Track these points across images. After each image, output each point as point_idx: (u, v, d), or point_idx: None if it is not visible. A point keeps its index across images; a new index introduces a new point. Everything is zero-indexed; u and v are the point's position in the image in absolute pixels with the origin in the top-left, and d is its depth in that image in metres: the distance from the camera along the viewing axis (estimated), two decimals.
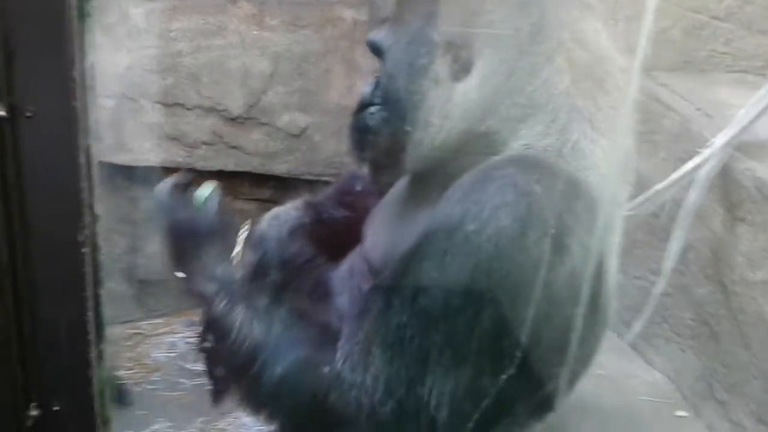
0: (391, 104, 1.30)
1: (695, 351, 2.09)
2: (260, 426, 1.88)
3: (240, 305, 1.24)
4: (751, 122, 1.78)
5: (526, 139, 1.22)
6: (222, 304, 1.25)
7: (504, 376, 1.11)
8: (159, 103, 2.96)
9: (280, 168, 2.99)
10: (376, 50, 1.35)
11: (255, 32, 2.92)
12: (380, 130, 1.33)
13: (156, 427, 2.43)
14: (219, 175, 2.87)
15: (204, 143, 2.95)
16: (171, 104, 2.96)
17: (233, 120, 2.92)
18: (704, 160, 1.84)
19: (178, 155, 2.97)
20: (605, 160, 1.24)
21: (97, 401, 0.84)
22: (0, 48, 0.71)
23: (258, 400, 1.24)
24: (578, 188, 1.17)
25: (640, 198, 1.97)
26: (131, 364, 2.68)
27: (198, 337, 1.33)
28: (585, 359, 1.31)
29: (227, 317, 1.23)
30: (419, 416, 1.14)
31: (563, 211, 1.12)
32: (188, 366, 2.75)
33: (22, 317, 0.79)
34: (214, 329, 1.26)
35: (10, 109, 0.74)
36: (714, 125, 1.94)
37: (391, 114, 1.31)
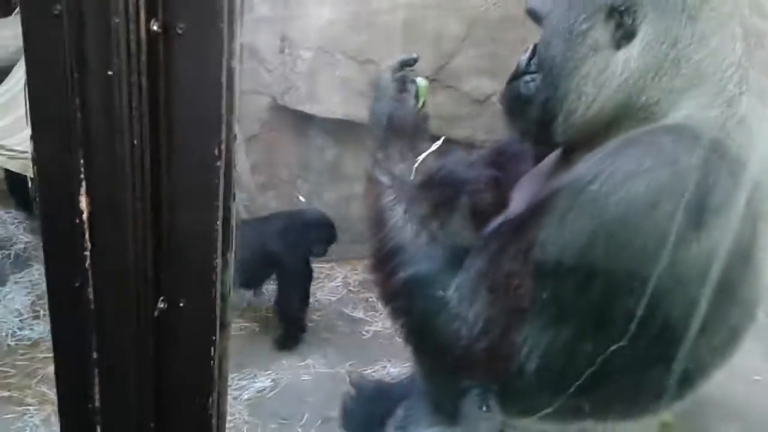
0: (547, 73, 1.28)
1: None
2: (403, 375, 1.97)
3: (402, 205, 1.31)
4: None
5: (687, 109, 1.16)
6: (389, 197, 1.32)
7: (607, 346, 1.07)
8: (352, 58, 3.07)
9: (460, 133, 2.97)
10: (536, 16, 1.32)
11: None
12: (534, 100, 1.31)
13: (309, 361, 2.60)
14: None
15: None
16: (363, 60, 3.06)
17: None
18: None
19: (364, 110, 3.09)
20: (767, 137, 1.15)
21: (218, 303, 0.92)
22: None
23: (387, 293, 1.31)
24: (735, 166, 1.09)
25: None
26: None
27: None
28: (722, 347, 1.24)
29: (389, 211, 1.31)
30: (508, 362, 1.16)
31: (711, 187, 1.05)
32: (346, 311, 2.90)
33: (161, 220, 0.88)
34: (375, 215, 1.34)
35: (164, 25, 0.81)
36: None
37: (546, 83, 1.28)
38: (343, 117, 3.09)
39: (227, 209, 0.91)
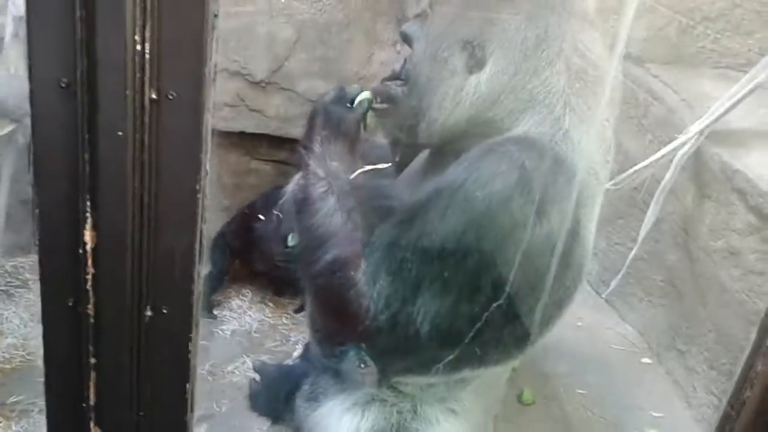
0: (413, 84, 1.58)
1: (663, 308, 2.41)
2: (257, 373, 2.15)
3: (334, 196, 1.50)
4: (723, 114, 2.05)
5: (525, 126, 1.49)
6: (322, 188, 1.51)
7: (482, 309, 1.41)
8: None
9: (297, 131, 2.97)
10: (407, 39, 1.63)
11: (283, 1, 3.00)
12: (400, 101, 1.61)
13: None
14: (240, 137, 3.06)
15: (227, 105, 3.05)
16: None
17: (256, 84, 3.01)
18: (680, 145, 2.12)
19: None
20: (590, 146, 1.53)
21: (194, 308, 1.14)
22: (155, 46, 0.99)
23: (311, 271, 1.52)
24: (563, 166, 1.45)
25: (625, 174, 2.26)
26: None
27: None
28: (559, 304, 1.58)
29: (321, 200, 1.50)
30: (407, 328, 1.44)
31: (547, 183, 1.41)
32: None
33: (152, 245, 1.08)
34: (307, 201, 1.53)
35: (158, 93, 1.01)
36: (694, 114, 2.22)
37: (412, 92, 1.58)
38: None
39: (203, 231, 1.13)
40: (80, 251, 1.06)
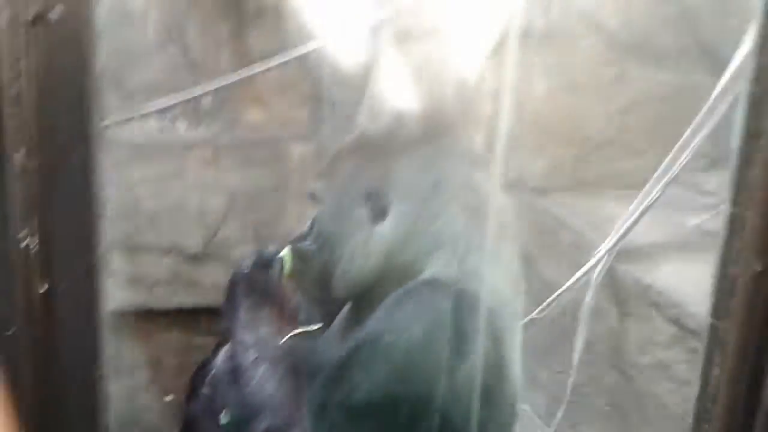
0: (323, 241, 1.62)
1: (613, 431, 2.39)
2: None
3: (265, 363, 1.50)
4: (626, 231, 2.16)
5: (435, 267, 1.53)
6: (252, 357, 1.51)
7: None
8: (118, 248, 3.18)
9: None
10: (315, 199, 1.69)
11: (211, 173, 3.14)
12: (314, 260, 1.64)
13: None
14: (178, 314, 3.06)
15: (162, 283, 3.09)
16: (132, 248, 3.17)
17: (191, 257, 3.08)
18: (592, 266, 2.20)
19: (138, 297, 3.15)
20: (498, 280, 1.58)
21: None
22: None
23: None
24: (476, 304, 1.49)
25: (547, 302, 2.31)
26: None
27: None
28: None
29: (252, 369, 1.49)
30: None
31: (463, 322, 1.44)
32: None
33: None
34: (234, 374, 1.52)
35: (50, 286, 1.02)
36: (602, 235, 2.32)
37: (323, 248, 1.62)
38: (114, 308, 3.12)
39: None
40: None
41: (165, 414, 2.89)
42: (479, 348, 1.44)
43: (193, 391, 1.90)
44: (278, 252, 1.66)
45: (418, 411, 1.39)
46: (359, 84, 2.34)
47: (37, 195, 0.96)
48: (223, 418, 1.75)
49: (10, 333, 1.00)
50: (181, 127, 3.23)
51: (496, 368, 1.50)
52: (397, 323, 1.41)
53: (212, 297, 2.94)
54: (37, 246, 0.99)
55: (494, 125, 1.96)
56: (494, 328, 1.50)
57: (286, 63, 2.91)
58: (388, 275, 1.58)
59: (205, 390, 2.05)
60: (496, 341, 1.50)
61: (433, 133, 1.60)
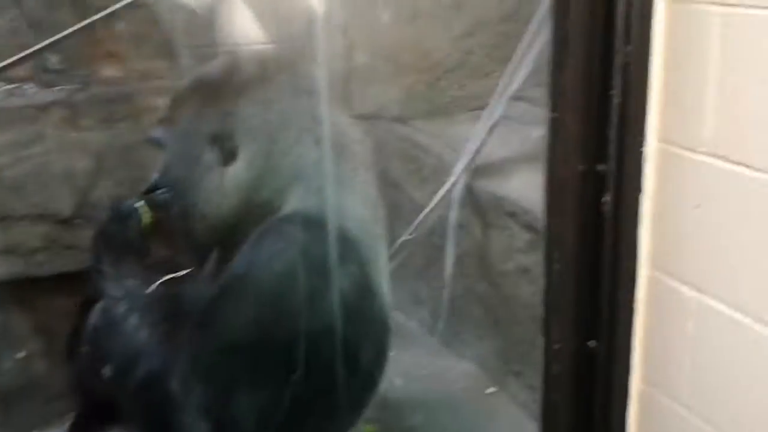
0: (175, 187, 1.63)
1: (490, 337, 2.56)
2: None
3: (135, 313, 1.54)
4: (478, 150, 2.28)
5: (293, 202, 1.57)
6: (122, 308, 1.54)
7: (304, 383, 1.46)
8: None
9: None
10: (158, 144, 1.68)
11: (73, 134, 2.96)
12: (168, 208, 1.65)
13: None
14: (60, 279, 2.93)
15: (39, 250, 2.96)
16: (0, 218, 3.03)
17: (65, 222, 2.94)
18: (452, 185, 2.33)
19: (16, 266, 3.06)
20: (357, 207, 1.64)
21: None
22: None
23: (125, 396, 1.54)
24: (336, 232, 1.55)
25: (416, 222, 2.43)
26: None
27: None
28: (377, 356, 1.66)
29: (123, 321, 1.53)
30: (235, 427, 1.47)
31: (325, 251, 1.50)
32: None
33: None
34: (108, 328, 1.56)
35: None
36: (459, 156, 2.44)
37: (176, 195, 1.63)
38: None
39: None
40: None
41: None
42: (344, 274, 1.52)
43: (70, 353, 1.91)
44: (133, 204, 1.67)
45: (290, 341, 1.46)
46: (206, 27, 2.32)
47: None
48: (107, 371, 1.78)
49: None
50: (32, 90, 3.10)
51: (364, 290, 1.58)
52: (261, 259, 1.47)
53: None
54: None
55: (345, 59, 2.02)
56: (357, 253, 1.58)
57: (134, 14, 2.82)
58: (248, 215, 1.60)
59: (84, 348, 2.07)
60: (361, 265, 1.58)
61: (272, 70, 1.63)
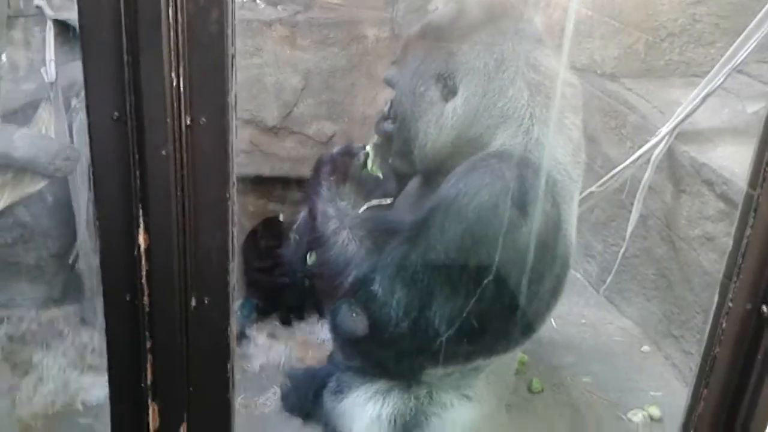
0: (401, 120, 1.84)
1: (657, 299, 2.60)
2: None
3: (346, 229, 1.81)
4: (688, 115, 2.28)
5: (501, 139, 1.73)
6: (335, 225, 1.81)
7: (488, 303, 1.65)
8: None
9: (307, 171, 3.19)
10: (390, 83, 1.89)
11: (288, 52, 3.24)
12: (394, 136, 1.88)
13: None
14: (255, 181, 3.26)
15: (242, 152, 3.23)
16: None
17: (269, 130, 3.23)
18: (653, 146, 2.35)
19: None
20: (559, 149, 1.76)
21: (231, 297, 1.38)
22: (188, 81, 1.24)
23: (336, 295, 1.78)
24: (538, 171, 1.68)
25: (607, 176, 2.49)
26: None
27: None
28: (553, 292, 1.81)
29: (335, 235, 1.80)
30: (426, 330, 1.68)
31: (526, 188, 1.63)
32: None
33: (190, 243, 1.31)
34: (319, 240, 1.82)
35: (192, 119, 1.26)
36: (665, 119, 2.45)
37: (401, 126, 1.85)
38: None
39: (233, 232, 1.37)
40: (135, 252, 1.29)
41: None
42: (540, 210, 1.66)
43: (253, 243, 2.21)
44: (363, 147, 1.95)
45: (488, 264, 1.64)
46: None
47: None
48: (309, 259, 2.05)
49: (163, 154, 1.25)
50: (261, 6, 3.36)
51: (555, 227, 1.72)
52: (469, 188, 1.63)
53: (288, 167, 3.26)
54: (183, 87, 1.22)
55: (565, 11, 2.10)
56: (554, 193, 1.71)
57: None
58: (460, 148, 1.79)
59: (292, 236, 2.37)
60: (555, 205, 1.71)
61: (494, 15, 1.76)
